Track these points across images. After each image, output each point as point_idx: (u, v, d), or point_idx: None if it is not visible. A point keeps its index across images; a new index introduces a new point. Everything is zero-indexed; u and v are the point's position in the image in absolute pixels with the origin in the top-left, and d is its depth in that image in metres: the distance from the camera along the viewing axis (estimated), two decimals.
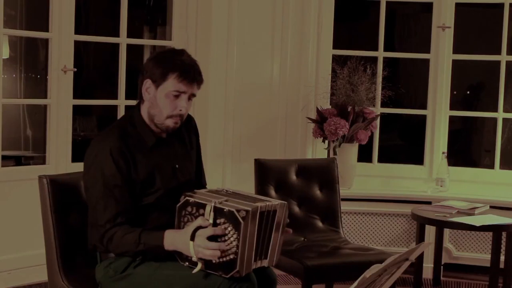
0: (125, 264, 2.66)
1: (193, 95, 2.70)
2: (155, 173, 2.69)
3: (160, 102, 2.66)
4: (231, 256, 2.50)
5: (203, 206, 2.52)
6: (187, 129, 2.87)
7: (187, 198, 2.57)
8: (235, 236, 2.48)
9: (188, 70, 2.66)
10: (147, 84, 2.69)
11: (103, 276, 2.70)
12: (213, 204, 2.50)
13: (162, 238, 2.56)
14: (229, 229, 2.49)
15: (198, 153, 2.93)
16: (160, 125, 2.70)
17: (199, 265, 2.52)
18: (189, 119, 2.90)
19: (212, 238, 2.49)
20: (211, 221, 2.49)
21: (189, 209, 2.55)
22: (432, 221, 4.26)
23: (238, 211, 2.47)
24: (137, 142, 2.70)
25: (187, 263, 2.56)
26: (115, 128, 2.75)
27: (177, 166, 2.77)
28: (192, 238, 2.49)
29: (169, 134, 2.77)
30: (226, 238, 2.49)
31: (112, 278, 2.68)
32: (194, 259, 2.52)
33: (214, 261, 2.51)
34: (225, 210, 2.48)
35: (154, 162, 2.70)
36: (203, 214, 2.51)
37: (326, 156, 4.89)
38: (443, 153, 5.01)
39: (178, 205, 2.58)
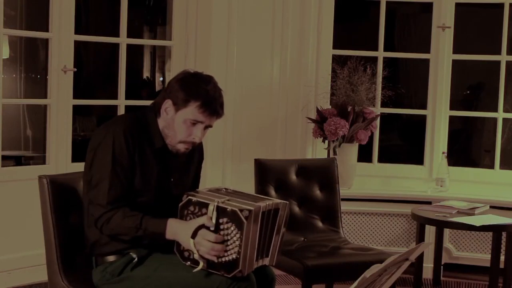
0: (121, 266, 2.65)
1: (210, 126, 2.68)
2: (151, 178, 2.67)
3: (176, 126, 2.65)
4: (234, 256, 2.50)
5: (206, 205, 2.52)
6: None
7: (189, 197, 2.57)
8: (237, 235, 2.48)
9: (210, 102, 2.63)
10: (167, 104, 2.66)
11: (100, 280, 2.70)
12: (216, 204, 2.50)
13: (164, 227, 2.55)
14: (232, 228, 2.48)
15: (197, 171, 2.90)
16: (171, 147, 2.69)
17: (201, 264, 2.52)
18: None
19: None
20: (214, 220, 2.49)
21: (191, 208, 2.55)
22: (432, 221, 4.26)
23: (241, 210, 2.46)
24: (147, 139, 2.68)
25: (189, 262, 2.56)
26: (128, 116, 2.74)
27: (172, 179, 2.74)
28: (194, 236, 2.49)
29: None
30: (229, 237, 2.49)
31: (109, 281, 2.67)
32: (196, 256, 2.51)
33: (216, 261, 2.51)
34: (228, 209, 2.48)
35: (153, 168, 2.68)
36: (205, 214, 2.51)
37: (326, 156, 4.89)
38: (443, 153, 5.01)
39: (180, 204, 2.58)
